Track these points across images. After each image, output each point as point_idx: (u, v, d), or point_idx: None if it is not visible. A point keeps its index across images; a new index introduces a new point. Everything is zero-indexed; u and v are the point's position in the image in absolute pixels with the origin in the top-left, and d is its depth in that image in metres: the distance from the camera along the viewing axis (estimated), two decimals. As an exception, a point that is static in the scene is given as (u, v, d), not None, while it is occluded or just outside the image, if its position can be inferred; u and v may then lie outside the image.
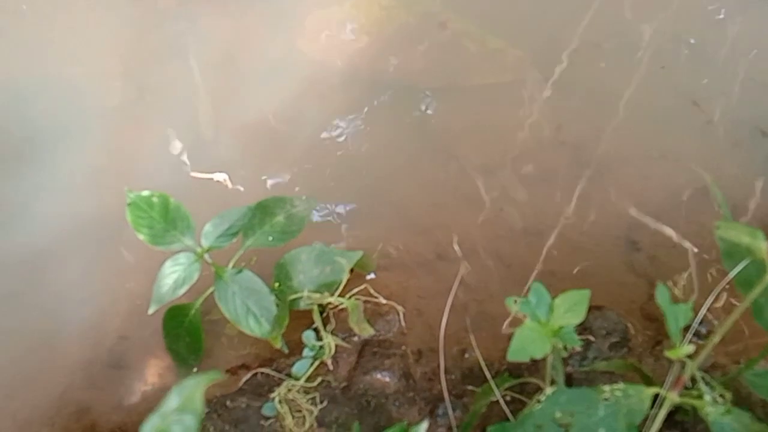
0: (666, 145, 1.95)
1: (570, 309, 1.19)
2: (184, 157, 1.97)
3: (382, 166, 1.98)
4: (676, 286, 1.14)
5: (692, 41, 2.13)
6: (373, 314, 1.63)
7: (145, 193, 1.48)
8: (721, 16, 2.23)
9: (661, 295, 1.02)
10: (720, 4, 2.24)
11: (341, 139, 2.01)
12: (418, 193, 1.93)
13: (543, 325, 1.19)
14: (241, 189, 1.94)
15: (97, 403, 1.62)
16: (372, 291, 1.65)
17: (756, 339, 1.58)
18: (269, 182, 1.94)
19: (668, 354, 0.98)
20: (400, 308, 1.64)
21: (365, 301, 1.63)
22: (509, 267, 1.78)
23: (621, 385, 0.99)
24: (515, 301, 1.20)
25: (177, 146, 1.99)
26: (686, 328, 1.20)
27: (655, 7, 2.23)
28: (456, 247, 1.69)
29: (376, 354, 1.57)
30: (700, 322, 1.61)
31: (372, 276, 1.73)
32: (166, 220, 1.47)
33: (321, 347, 1.46)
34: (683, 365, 1.05)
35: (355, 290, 1.61)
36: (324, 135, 2.02)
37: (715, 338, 1.00)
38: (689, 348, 0.98)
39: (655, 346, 1.58)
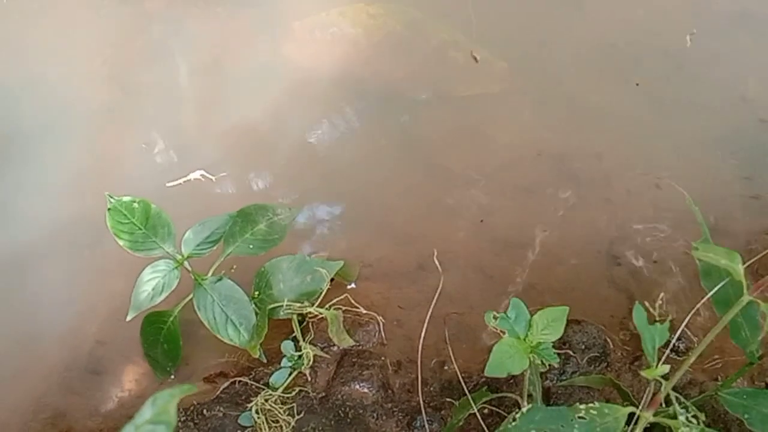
0: (651, 160, 1.95)
1: (548, 325, 1.20)
2: (168, 161, 1.96)
3: (365, 174, 1.97)
4: (655, 303, 1.14)
5: (677, 55, 2.14)
6: (353, 324, 1.63)
7: (126, 198, 1.47)
8: (705, 33, 2.24)
9: (638, 316, 1.03)
10: (709, 19, 2.25)
11: (325, 146, 2.01)
12: (400, 202, 1.93)
13: (521, 341, 1.19)
14: (224, 193, 1.93)
15: (73, 409, 1.61)
16: (352, 301, 1.64)
17: (733, 356, 1.59)
18: (252, 187, 1.93)
19: (644, 374, 0.99)
20: (380, 319, 1.64)
21: (345, 311, 1.62)
22: (490, 278, 1.78)
23: (596, 405, 1.00)
24: (494, 317, 1.20)
25: (161, 149, 1.97)
26: (665, 345, 1.20)
27: (641, 20, 2.24)
28: (436, 261, 1.68)
29: (355, 364, 1.57)
30: (679, 338, 1.62)
31: (353, 286, 1.72)
32: (147, 227, 1.46)
33: (299, 357, 1.45)
34: (659, 384, 1.05)
35: (336, 300, 1.60)
36: (308, 142, 2.01)
37: (690, 359, 1.01)
38: (664, 368, 0.99)
39: (633, 362, 1.59)
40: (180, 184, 1.87)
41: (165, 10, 2.22)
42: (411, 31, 2.20)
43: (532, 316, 1.26)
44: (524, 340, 1.19)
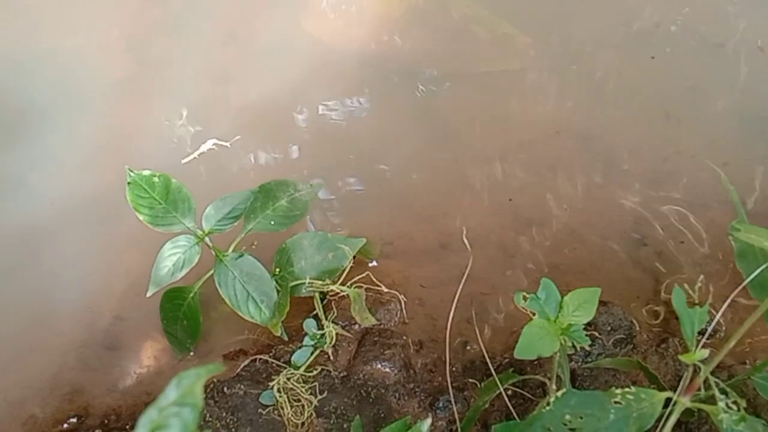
0: (677, 139, 1.91)
1: (579, 307, 1.16)
2: (186, 135, 1.93)
3: (385, 151, 1.94)
4: (694, 285, 1.11)
5: (702, 31, 2.09)
6: (374, 303, 1.61)
7: (146, 172, 1.45)
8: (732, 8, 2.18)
9: (678, 299, 1.00)
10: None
11: (345, 122, 1.97)
12: (421, 179, 1.90)
13: (551, 322, 1.16)
14: (243, 168, 1.90)
15: (90, 385, 1.59)
16: (374, 279, 1.62)
17: (761, 339, 1.56)
18: (271, 163, 1.90)
19: (682, 358, 0.96)
20: (401, 297, 1.62)
21: (367, 290, 1.60)
22: (513, 258, 1.75)
23: (633, 389, 0.97)
24: (524, 297, 1.17)
25: (179, 124, 1.94)
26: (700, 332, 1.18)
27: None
28: (465, 240, 1.65)
29: (376, 344, 1.54)
30: (708, 322, 1.59)
31: (374, 264, 1.70)
32: (167, 201, 1.44)
33: (322, 336, 1.43)
34: (696, 369, 1.02)
35: (357, 278, 1.58)
36: (327, 118, 1.98)
37: (730, 343, 0.98)
38: (704, 353, 0.96)
39: (660, 344, 1.56)
40: (195, 158, 1.84)
41: (184, -19, 2.18)
42: (432, 5, 2.15)
43: (562, 297, 1.23)
44: (555, 321, 1.15)
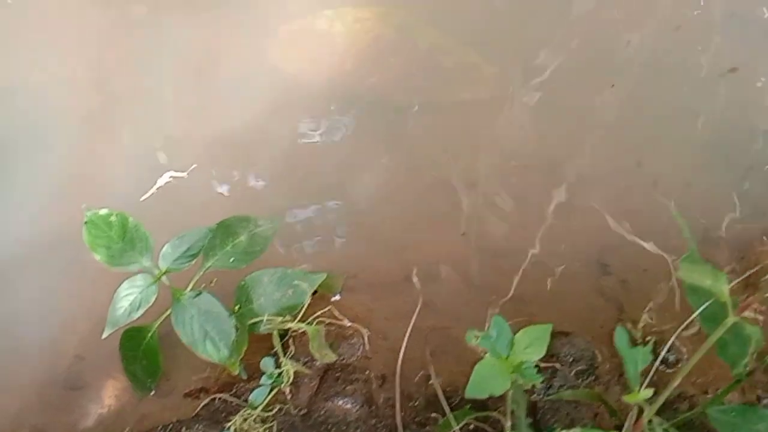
0: (640, 166, 1.92)
1: (531, 344, 1.17)
2: (152, 169, 1.92)
3: (352, 181, 1.94)
4: (638, 322, 1.11)
5: (665, 58, 2.11)
6: (336, 337, 1.60)
7: (104, 211, 1.44)
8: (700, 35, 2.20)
9: (620, 338, 1.00)
10: (700, 23, 2.22)
11: (311, 153, 1.97)
12: (388, 210, 1.90)
13: (503, 360, 1.16)
14: (209, 200, 1.89)
15: (52, 425, 1.58)
16: (336, 313, 1.61)
17: (723, 370, 1.56)
18: (236, 196, 1.90)
19: (626, 399, 0.96)
20: (364, 331, 1.61)
21: (329, 324, 1.59)
22: (478, 289, 1.75)
23: (578, 430, 0.97)
24: (476, 336, 1.17)
25: (142, 159, 1.94)
26: (655, 358, 1.17)
27: (632, 24, 2.20)
28: (414, 279, 1.65)
29: (338, 379, 1.54)
30: (669, 350, 1.59)
31: (337, 297, 1.69)
32: (124, 240, 1.43)
33: (279, 374, 1.42)
34: (642, 407, 1.02)
35: (319, 313, 1.57)
36: (294, 149, 1.98)
37: (674, 382, 0.98)
38: (647, 393, 0.96)
39: (621, 375, 1.55)
40: (154, 193, 1.83)
41: (150, 15, 2.18)
42: (399, 35, 2.16)
43: (515, 334, 1.23)
44: (506, 359, 1.15)
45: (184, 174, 1.88)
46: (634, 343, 1.56)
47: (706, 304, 1.08)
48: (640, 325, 1.09)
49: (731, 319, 0.95)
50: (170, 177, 1.86)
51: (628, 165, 1.94)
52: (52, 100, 2.03)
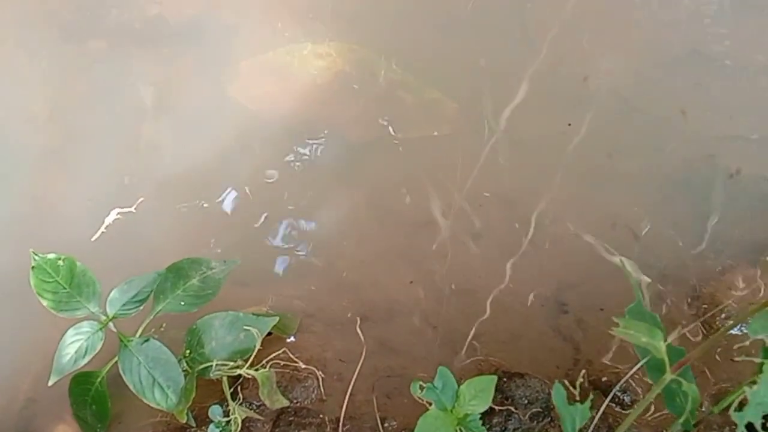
0: (598, 204, 1.93)
1: (476, 396, 1.16)
2: (108, 207, 1.90)
3: (311, 217, 1.94)
4: (579, 375, 1.11)
5: (623, 95, 2.13)
6: (291, 380, 1.59)
7: (51, 255, 1.42)
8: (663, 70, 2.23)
9: (558, 396, 0.99)
10: (662, 58, 2.24)
11: (269, 190, 1.96)
12: (347, 248, 1.89)
13: (448, 412, 1.15)
14: (166, 240, 1.88)
15: (1, 472, 1.55)
16: (291, 355, 1.60)
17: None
18: (192, 234, 1.89)
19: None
20: (319, 374, 1.60)
21: (283, 366, 1.58)
22: (435, 329, 1.75)
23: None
24: (420, 387, 1.16)
25: (102, 195, 1.92)
26: (611, 399, 1.16)
27: (593, 62, 2.22)
28: (358, 331, 1.64)
29: (291, 423, 1.52)
30: (624, 391, 1.59)
31: (292, 339, 1.68)
32: (71, 286, 1.41)
33: (228, 423, 1.40)
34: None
35: (273, 356, 1.56)
36: (253, 185, 1.97)
37: (623, 428, 0.97)
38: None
39: (576, 417, 1.55)
40: (109, 231, 1.82)
41: (109, 51, 2.17)
42: (360, 71, 2.17)
43: (464, 379, 1.22)
44: (451, 411, 1.14)
45: (135, 210, 1.86)
46: (589, 387, 1.57)
47: (649, 356, 1.07)
48: (578, 381, 1.09)
49: (668, 376, 0.95)
50: (119, 214, 1.84)
51: (584, 201, 1.94)
52: (8, 137, 2.01)
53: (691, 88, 2.17)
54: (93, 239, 1.81)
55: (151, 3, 2.26)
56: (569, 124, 2.03)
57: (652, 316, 1.12)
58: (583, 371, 1.26)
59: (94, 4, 2.24)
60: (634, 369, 1.10)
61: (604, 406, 1.30)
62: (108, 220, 1.83)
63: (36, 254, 1.41)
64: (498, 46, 2.25)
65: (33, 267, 1.41)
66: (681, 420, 1.04)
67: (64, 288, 1.41)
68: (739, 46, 2.22)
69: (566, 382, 1.53)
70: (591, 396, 1.00)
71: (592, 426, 1.02)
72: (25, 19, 2.23)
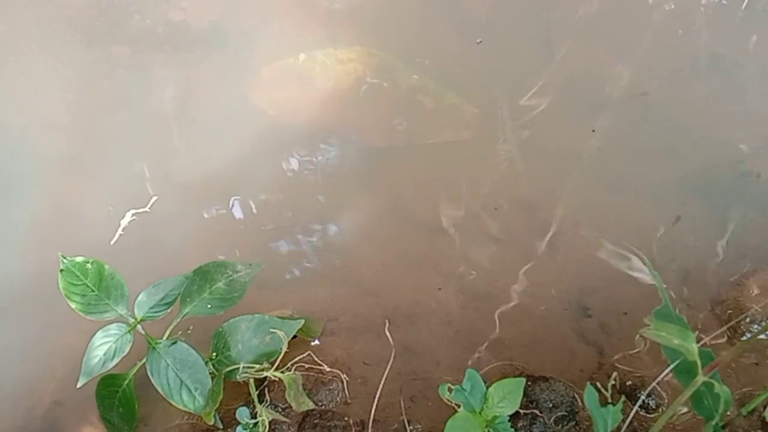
0: (620, 206, 1.93)
1: (504, 398, 1.16)
2: (131, 211, 1.92)
3: (333, 222, 1.94)
4: (610, 378, 1.11)
5: (647, 101, 2.13)
6: (315, 383, 1.59)
7: (79, 259, 1.44)
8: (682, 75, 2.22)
9: (590, 398, 0.99)
10: (681, 63, 2.24)
11: (291, 193, 1.97)
12: (369, 252, 1.90)
13: (476, 414, 1.15)
14: (188, 245, 1.89)
15: (28, 473, 1.56)
16: (315, 358, 1.61)
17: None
18: (216, 237, 1.90)
19: (597, 458, 0.95)
20: (344, 377, 1.61)
21: (308, 369, 1.59)
22: (458, 332, 1.75)
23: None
24: (449, 389, 1.17)
25: (124, 200, 1.93)
26: (634, 402, 1.16)
27: (613, 67, 2.22)
28: (387, 333, 1.65)
29: (316, 426, 1.53)
30: (649, 395, 1.59)
31: (317, 342, 1.69)
32: (100, 288, 1.43)
33: (255, 425, 1.41)
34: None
35: (298, 358, 1.56)
36: (273, 190, 1.98)
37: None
38: (619, 452, 0.95)
39: (601, 421, 1.55)
40: (122, 235, 1.83)
41: (131, 57, 2.19)
42: (380, 76, 2.18)
43: (492, 381, 1.23)
44: (480, 413, 1.15)
45: (156, 214, 1.87)
46: (615, 390, 1.56)
47: (679, 359, 1.07)
48: (610, 384, 1.09)
49: (700, 378, 0.95)
50: (139, 218, 1.86)
51: (606, 204, 1.94)
52: (32, 142, 2.03)
53: (711, 93, 2.16)
54: (112, 242, 1.82)
55: (173, 9, 2.27)
56: (593, 131, 2.03)
57: (680, 318, 1.12)
58: (615, 374, 1.26)
59: (117, 11, 2.26)
60: (666, 372, 1.10)
61: (634, 410, 1.30)
62: (128, 225, 1.84)
63: (65, 257, 1.43)
64: (517, 51, 2.26)
65: (62, 270, 1.42)
66: (713, 422, 1.03)
67: (93, 291, 1.42)
68: (760, 50, 2.22)
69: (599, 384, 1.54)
70: (622, 398, 1.00)
71: (622, 430, 1.02)
72: (48, 25, 2.25)
